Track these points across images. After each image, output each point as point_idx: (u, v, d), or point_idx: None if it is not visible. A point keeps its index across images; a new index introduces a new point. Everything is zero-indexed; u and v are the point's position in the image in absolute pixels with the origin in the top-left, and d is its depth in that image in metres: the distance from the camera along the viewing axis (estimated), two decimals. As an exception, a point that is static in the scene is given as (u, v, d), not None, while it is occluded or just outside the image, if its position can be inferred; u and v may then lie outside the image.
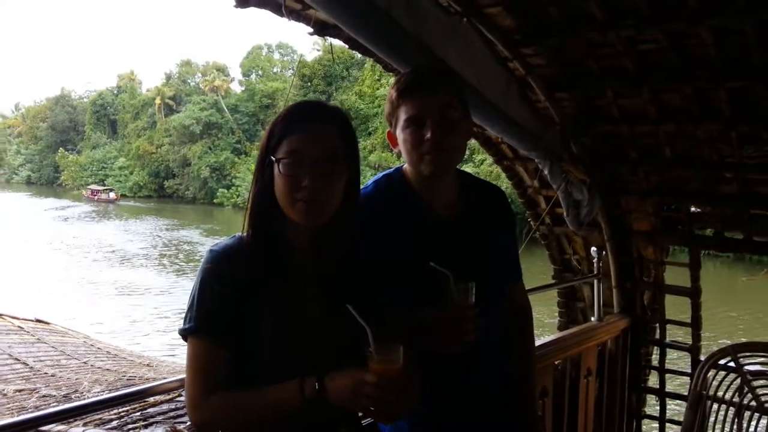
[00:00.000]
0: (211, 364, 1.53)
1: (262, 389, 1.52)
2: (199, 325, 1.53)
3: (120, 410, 2.68)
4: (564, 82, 3.36)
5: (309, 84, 53.91)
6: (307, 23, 2.93)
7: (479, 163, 31.26)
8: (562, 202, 3.84)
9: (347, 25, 2.45)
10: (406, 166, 2.04)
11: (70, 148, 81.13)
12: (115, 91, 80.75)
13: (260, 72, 69.93)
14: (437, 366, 1.94)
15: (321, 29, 3.15)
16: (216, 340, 1.53)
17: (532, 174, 4.20)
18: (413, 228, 1.97)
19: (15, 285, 22.60)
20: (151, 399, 2.77)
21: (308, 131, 1.56)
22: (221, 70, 72.06)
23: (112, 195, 66.01)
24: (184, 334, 1.56)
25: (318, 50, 54.43)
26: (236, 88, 71.71)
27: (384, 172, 2.14)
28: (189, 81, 74.32)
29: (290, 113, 1.60)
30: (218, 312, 1.53)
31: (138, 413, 2.69)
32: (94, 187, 68.55)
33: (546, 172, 3.64)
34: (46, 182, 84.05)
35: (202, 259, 1.58)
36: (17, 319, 6.13)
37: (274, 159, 1.55)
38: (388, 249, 1.91)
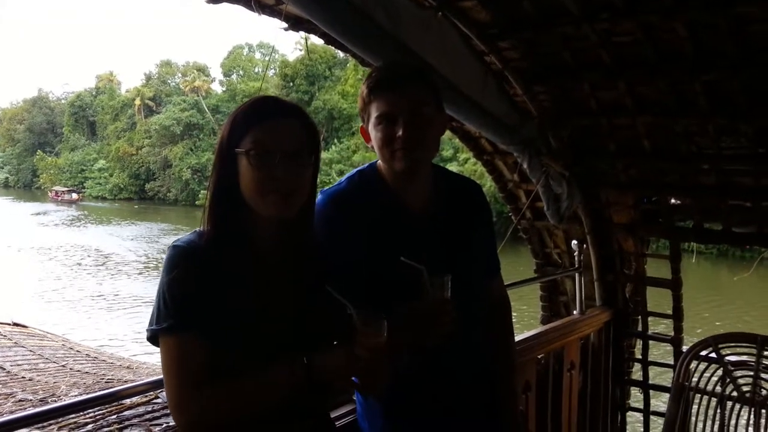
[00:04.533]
0: (193, 360, 1.48)
1: (249, 375, 1.51)
2: (177, 321, 1.48)
3: (96, 413, 2.63)
4: (540, 75, 3.35)
5: (291, 84, 53.67)
6: (280, 18, 2.90)
7: (463, 162, 31.32)
8: (542, 195, 3.83)
9: (319, 20, 2.43)
10: (379, 162, 2.02)
11: (48, 151, 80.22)
12: (94, 93, 79.95)
13: (241, 72, 69.59)
14: (414, 361, 1.93)
15: (295, 24, 3.13)
16: (196, 335, 1.49)
17: (512, 168, 4.20)
18: (387, 224, 1.95)
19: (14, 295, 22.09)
20: (128, 401, 2.72)
21: (274, 124, 1.55)
22: (202, 70, 71.58)
23: (74, 196, 68.20)
24: (160, 334, 1.50)
25: (300, 50, 54.30)
26: (217, 88, 71.27)
27: (357, 168, 2.12)
28: (169, 81, 73.72)
29: (252, 106, 1.58)
30: (193, 306, 1.49)
31: (114, 416, 2.63)
32: (57, 188, 70.42)
33: (525, 165, 3.64)
34: (24, 185, 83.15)
35: (166, 256, 1.53)
36: (-7, 323, 6.04)
37: (239, 151, 1.52)
38: (362, 245, 1.91)
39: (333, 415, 2.18)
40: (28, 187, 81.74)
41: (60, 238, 39.92)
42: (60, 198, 67.73)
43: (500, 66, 3.22)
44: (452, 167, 31.38)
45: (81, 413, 2.52)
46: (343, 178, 2.08)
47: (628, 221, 3.98)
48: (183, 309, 1.49)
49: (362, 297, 1.92)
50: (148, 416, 2.63)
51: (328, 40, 3.09)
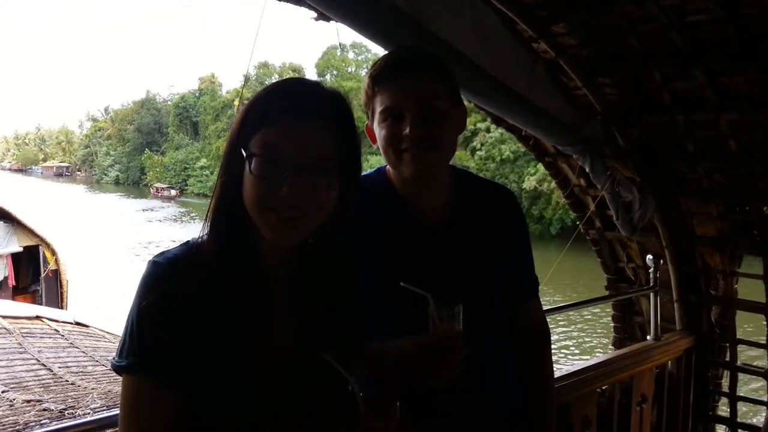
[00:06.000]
0: (153, 411, 1.19)
1: None
2: (140, 361, 1.18)
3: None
4: (604, 65, 2.90)
5: (383, 82, 53.99)
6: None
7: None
8: (610, 203, 3.40)
9: (324, 5, 2.10)
10: (388, 166, 1.73)
11: (155, 150, 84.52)
12: (197, 94, 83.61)
13: (335, 72, 70.47)
14: (415, 407, 1.57)
15: (324, 15, 2.83)
16: (161, 381, 1.18)
17: (578, 172, 3.72)
18: (395, 239, 1.67)
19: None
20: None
21: (292, 123, 1.19)
22: (297, 71, 73.23)
23: (173, 192, 73.10)
24: (119, 370, 1.21)
25: (392, 48, 54.24)
26: (311, 89, 72.73)
27: (363, 174, 1.81)
28: (266, 82, 75.64)
29: (271, 94, 1.24)
30: (163, 342, 1.18)
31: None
32: (158, 185, 75.65)
33: (587, 169, 3.18)
34: (133, 182, 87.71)
35: (143, 274, 1.21)
36: (56, 321, 6.10)
37: (244, 153, 1.19)
38: (364, 264, 1.57)
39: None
40: (136, 184, 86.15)
41: (167, 234, 41.52)
42: (160, 194, 72.56)
43: (553, 54, 2.79)
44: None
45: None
46: None
47: (714, 234, 3.45)
48: (151, 347, 1.18)
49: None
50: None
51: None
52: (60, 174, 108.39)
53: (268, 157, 1.17)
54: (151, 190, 75.17)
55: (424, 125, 1.56)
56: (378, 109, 1.62)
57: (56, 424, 1.68)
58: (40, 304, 13.14)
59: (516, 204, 1.87)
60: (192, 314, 1.18)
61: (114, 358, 1.22)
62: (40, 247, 15.14)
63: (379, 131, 1.63)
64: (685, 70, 2.74)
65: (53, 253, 15.03)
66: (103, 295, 20.82)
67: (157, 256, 1.23)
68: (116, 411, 1.81)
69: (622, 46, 2.77)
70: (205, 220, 1.26)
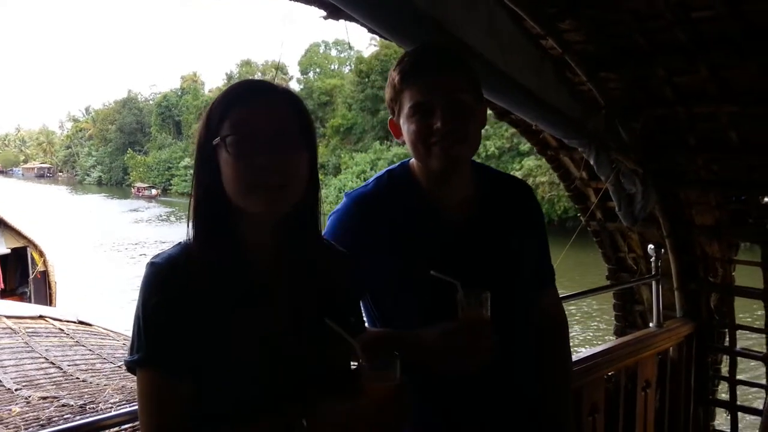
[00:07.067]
0: (169, 402, 1.27)
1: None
2: (150, 354, 1.27)
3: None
4: (608, 61, 2.98)
5: (366, 79, 53.77)
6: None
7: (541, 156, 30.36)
8: (613, 195, 3.47)
9: (342, 1, 2.16)
10: (412, 160, 1.79)
11: (138, 149, 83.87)
12: (179, 93, 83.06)
13: (318, 69, 70.30)
14: (446, 393, 1.71)
15: (334, 12, 2.88)
16: (172, 372, 1.27)
17: (580, 164, 3.81)
18: (421, 231, 1.73)
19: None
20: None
21: (255, 104, 1.32)
22: (280, 68, 72.81)
23: (153, 192, 73.77)
24: (132, 366, 1.30)
25: (375, 45, 54.25)
26: (294, 86, 72.42)
27: (387, 168, 1.89)
28: (249, 80, 75.55)
29: (230, 91, 1.35)
30: (171, 336, 1.26)
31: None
32: (139, 185, 76.26)
33: (592, 162, 3.26)
34: (116, 183, 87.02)
35: (144, 275, 1.30)
36: (59, 321, 6.12)
37: (217, 141, 1.30)
38: (390, 256, 1.70)
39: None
40: (119, 185, 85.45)
41: (154, 235, 41.06)
42: (141, 194, 72.91)
43: (560, 50, 2.86)
44: (530, 161, 30.61)
45: None
46: (371, 178, 1.86)
47: (712, 223, 3.55)
48: (157, 339, 1.27)
49: (391, 316, 1.77)
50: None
51: (370, 28, 2.81)
52: (41, 175, 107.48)
53: (241, 133, 1.28)
54: (133, 190, 75.30)
55: (454, 120, 1.61)
56: (407, 104, 1.66)
57: (94, 416, 1.72)
58: (29, 305, 13.02)
59: (533, 196, 1.95)
60: (193, 307, 1.27)
61: (126, 357, 1.30)
62: (28, 249, 15.03)
63: (408, 126, 1.68)
64: (688, 65, 2.81)
65: (41, 254, 14.94)
66: (93, 296, 20.66)
67: (154, 257, 1.33)
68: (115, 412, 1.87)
69: (627, 42, 2.83)
70: (188, 220, 1.34)
